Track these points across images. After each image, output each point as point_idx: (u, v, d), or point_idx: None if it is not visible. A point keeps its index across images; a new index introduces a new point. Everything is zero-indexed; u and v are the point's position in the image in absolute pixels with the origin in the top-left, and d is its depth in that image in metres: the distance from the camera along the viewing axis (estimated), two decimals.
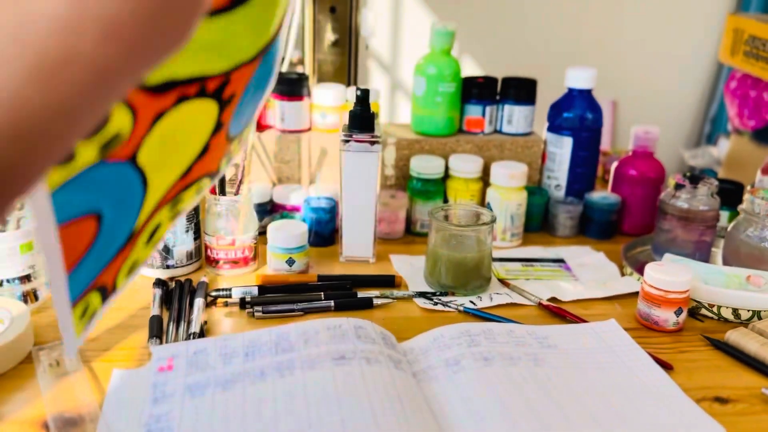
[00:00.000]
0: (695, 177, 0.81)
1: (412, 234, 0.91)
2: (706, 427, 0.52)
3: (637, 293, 0.74)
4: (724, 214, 0.92)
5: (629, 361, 0.60)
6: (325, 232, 0.85)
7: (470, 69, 1.84)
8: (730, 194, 0.92)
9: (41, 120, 0.20)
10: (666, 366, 0.60)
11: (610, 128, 1.92)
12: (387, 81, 1.85)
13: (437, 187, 0.89)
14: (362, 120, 0.75)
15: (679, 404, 0.55)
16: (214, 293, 0.69)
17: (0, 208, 0.21)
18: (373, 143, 0.75)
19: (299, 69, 1.19)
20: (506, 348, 0.60)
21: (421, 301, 0.71)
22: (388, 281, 0.75)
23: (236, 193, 0.75)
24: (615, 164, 0.95)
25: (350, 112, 0.76)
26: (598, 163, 0.96)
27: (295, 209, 0.88)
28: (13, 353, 0.56)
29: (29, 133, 0.20)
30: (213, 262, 0.75)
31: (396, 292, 0.72)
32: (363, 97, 0.75)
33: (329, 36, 1.12)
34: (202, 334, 0.62)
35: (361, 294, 0.71)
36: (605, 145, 1.87)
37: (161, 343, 0.60)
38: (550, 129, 0.93)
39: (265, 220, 0.85)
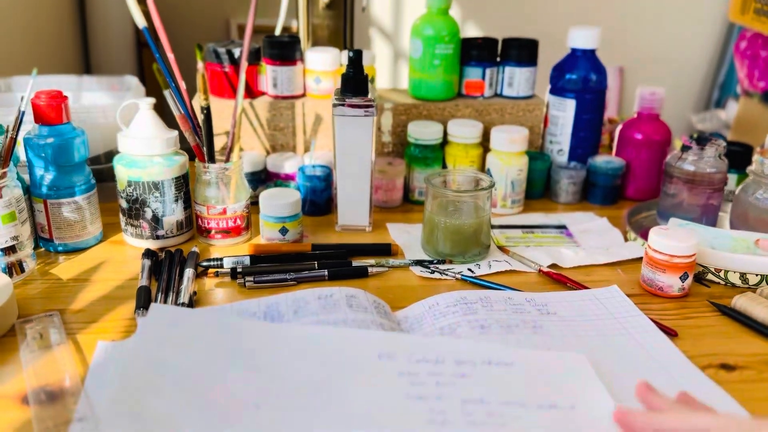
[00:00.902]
0: (702, 138, 0.78)
1: (410, 202, 0.88)
2: (711, 395, 0.50)
3: (640, 259, 0.72)
4: (732, 178, 0.89)
5: (632, 328, 0.58)
6: (320, 201, 0.83)
7: (469, 30, 1.79)
8: (739, 156, 0.89)
9: None
10: (670, 333, 0.58)
11: (617, 95, 1.88)
12: (389, 50, 1.81)
13: (435, 154, 0.86)
14: (355, 83, 0.72)
15: (684, 371, 0.53)
16: (204, 263, 0.67)
17: None
18: (366, 107, 0.73)
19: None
20: (504, 315, 0.58)
21: (417, 270, 0.69)
22: (384, 250, 0.73)
23: (226, 161, 0.72)
24: (619, 127, 0.92)
25: (342, 75, 0.73)
26: (602, 127, 0.93)
27: (290, 178, 0.86)
28: None
29: None
30: (204, 232, 0.73)
31: (392, 261, 0.70)
32: (355, 59, 0.72)
33: None
34: (191, 304, 0.60)
35: (356, 263, 0.69)
36: (612, 112, 1.83)
37: None
38: (553, 91, 0.90)
39: (259, 189, 0.83)
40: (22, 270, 0.65)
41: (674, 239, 0.64)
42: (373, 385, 0.47)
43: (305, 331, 0.52)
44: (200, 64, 0.67)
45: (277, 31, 1.01)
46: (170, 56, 0.68)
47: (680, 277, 0.64)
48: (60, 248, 0.70)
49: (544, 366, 0.50)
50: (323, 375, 0.47)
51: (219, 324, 0.52)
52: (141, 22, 0.67)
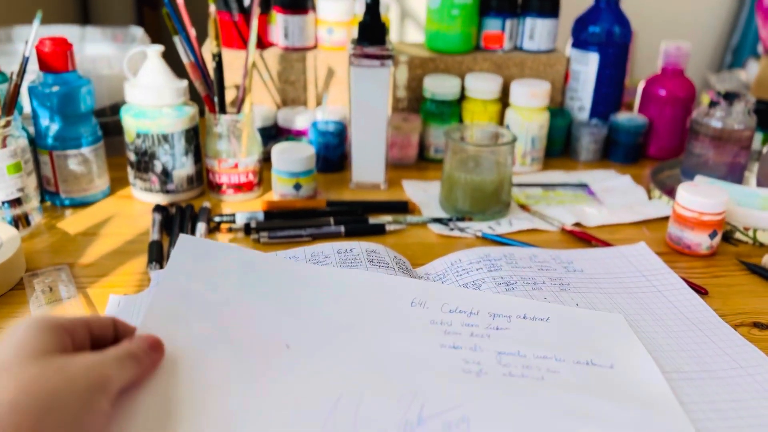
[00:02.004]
0: (730, 94, 0.75)
1: (425, 160, 0.86)
2: (745, 353, 0.48)
3: (666, 218, 0.70)
4: (757, 137, 0.86)
5: (661, 286, 0.56)
6: (333, 157, 0.80)
7: None
8: (764, 115, 0.86)
9: None
10: (701, 291, 0.57)
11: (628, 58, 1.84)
12: (396, 5, 1.76)
13: (452, 109, 0.83)
14: (373, 31, 0.69)
15: (717, 330, 0.51)
16: (217, 218, 0.65)
17: None
18: (384, 58, 0.70)
19: None
20: (529, 273, 0.56)
21: (436, 227, 0.67)
22: (401, 207, 0.71)
23: (237, 112, 0.69)
24: (642, 84, 0.89)
25: (359, 23, 0.70)
26: (625, 83, 0.90)
27: (302, 133, 0.83)
28: (3, 279, 0.52)
29: None
30: (215, 187, 0.71)
31: (410, 218, 0.68)
32: (373, 6, 0.69)
33: None
34: None
35: (373, 220, 0.67)
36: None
37: (162, 268, 0.57)
38: (575, 45, 0.86)
39: (270, 144, 0.80)
40: (29, 223, 0.63)
41: (704, 195, 0.61)
42: (406, 330, 0.45)
43: (339, 274, 0.50)
44: (212, 8, 0.64)
45: None
46: (179, 0, 0.65)
47: (709, 235, 0.62)
48: (66, 202, 0.68)
49: (581, 323, 0.49)
50: (355, 319, 0.45)
51: (250, 260, 0.48)
52: None
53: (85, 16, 1.53)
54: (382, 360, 0.42)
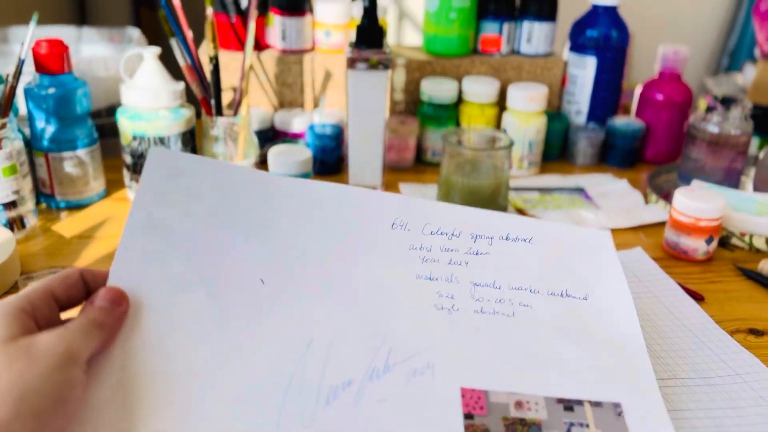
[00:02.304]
0: (727, 99, 0.75)
1: (422, 163, 0.86)
2: (741, 360, 0.48)
3: (663, 223, 0.70)
4: (754, 141, 0.86)
5: (657, 291, 0.56)
6: (330, 160, 0.80)
7: None
8: (761, 120, 0.86)
9: None
10: (697, 297, 0.57)
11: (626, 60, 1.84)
12: (394, 6, 1.76)
13: (450, 113, 0.83)
14: (370, 34, 0.69)
15: (712, 336, 0.51)
16: None
17: None
18: (381, 63, 0.69)
19: None
20: None
21: None
22: None
23: (234, 115, 0.69)
24: (639, 88, 0.89)
25: (357, 26, 0.70)
26: (622, 88, 0.90)
27: (299, 136, 0.83)
28: None
29: None
30: None
31: None
32: (371, 9, 0.69)
33: None
34: None
35: None
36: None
37: None
38: (572, 48, 0.87)
39: (267, 147, 0.80)
40: (24, 226, 0.62)
41: (701, 201, 0.61)
42: (384, 258, 0.44)
43: (320, 189, 0.46)
44: (209, 11, 0.63)
45: None
46: (176, 2, 0.65)
47: (705, 241, 0.62)
48: (62, 204, 0.68)
49: (565, 243, 0.48)
50: (333, 246, 0.43)
51: (226, 177, 0.44)
52: None
53: (81, 16, 1.53)
54: (356, 296, 0.41)
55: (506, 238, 0.47)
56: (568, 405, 0.39)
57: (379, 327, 0.40)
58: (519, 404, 0.38)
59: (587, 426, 0.38)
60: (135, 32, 0.88)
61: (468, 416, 0.37)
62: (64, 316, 0.36)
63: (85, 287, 0.37)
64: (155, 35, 0.93)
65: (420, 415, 0.37)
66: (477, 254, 0.46)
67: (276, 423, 0.35)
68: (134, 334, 0.36)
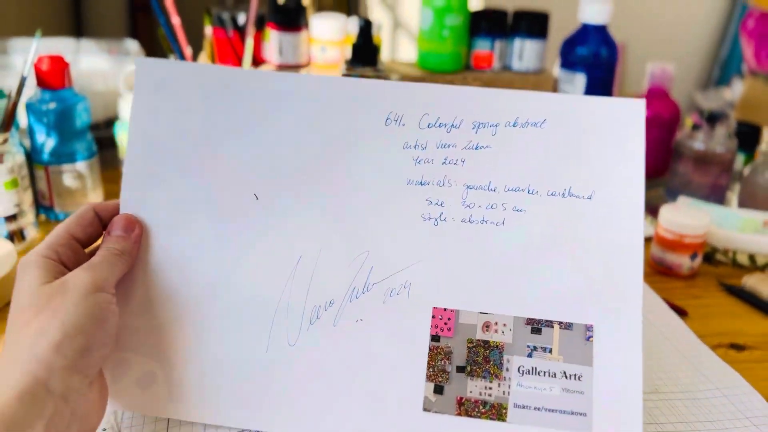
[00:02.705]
0: (713, 117, 0.77)
1: None
2: (722, 374, 0.50)
3: (649, 238, 0.72)
4: (739, 157, 0.89)
5: (643, 307, 0.58)
6: None
7: (478, 1, 1.77)
8: (746, 136, 0.88)
9: None
10: (680, 312, 0.58)
11: (618, 73, 1.86)
12: (388, 18, 1.78)
13: None
14: (365, 52, 0.71)
15: (695, 351, 0.53)
16: None
17: None
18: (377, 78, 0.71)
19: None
20: None
21: None
22: None
23: None
24: None
25: (353, 45, 0.71)
26: None
27: None
28: (1, 294, 0.53)
29: None
30: None
31: None
32: (366, 29, 0.71)
33: None
34: None
35: None
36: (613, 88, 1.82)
37: None
38: (563, 65, 0.88)
39: None
40: (24, 238, 0.63)
41: (686, 217, 0.63)
42: (375, 163, 0.42)
43: (311, 83, 0.43)
44: (208, 30, 0.65)
45: None
46: (175, 21, 0.66)
47: (690, 257, 0.64)
48: (61, 216, 0.69)
49: (582, 123, 0.42)
50: (324, 149, 0.43)
51: (214, 83, 0.43)
52: None
53: (77, 23, 1.54)
54: (344, 208, 0.42)
55: (513, 124, 0.42)
56: (537, 327, 0.39)
57: (364, 243, 0.41)
58: (487, 326, 0.39)
59: (550, 351, 0.39)
60: (133, 45, 0.90)
61: (434, 338, 0.39)
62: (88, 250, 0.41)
63: (101, 221, 0.41)
64: (151, 43, 0.94)
65: (391, 335, 0.39)
66: (476, 148, 0.42)
67: (266, 345, 0.40)
68: (150, 256, 0.40)
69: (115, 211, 0.41)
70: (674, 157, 0.79)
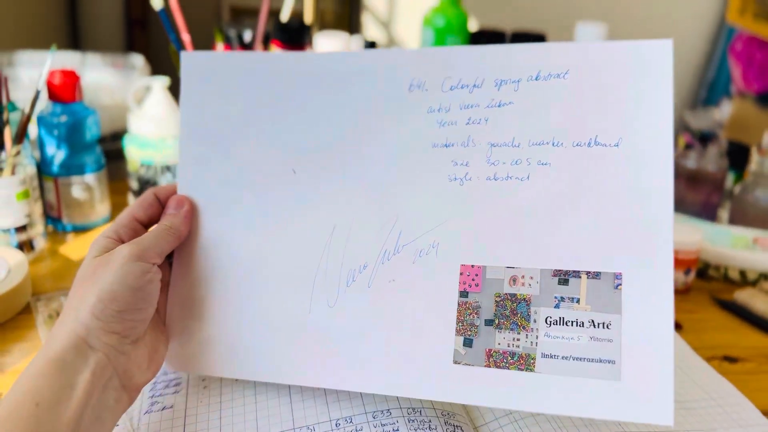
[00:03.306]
0: (705, 137, 0.80)
1: None
2: (717, 386, 0.51)
3: None
4: (730, 176, 0.91)
5: None
6: None
7: (477, 23, 1.80)
8: (736, 155, 0.91)
9: None
10: (675, 325, 0.60)
11: None
12: (384, 36, 1.81)
13: None
14: None
15: (690, 363, 0.54)
16: None
17: None
18: None
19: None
20: None
21: None
22: None
23: None
24: None
25: None
26: None
27: None
28: (12, 303, 0.54)
29: None
30: None
31: None
32: (370, 48, 0.73)
33: None
34: None
35: None
36: None
37: None
38: None
39: None
40: (33, 248, 0.64)
41: (679, 234, 0.65)
42: (401, 129, 0.44)
43: (337, 60, 0.45)
44: (220, 47, 0.67)
45: (285, 14, 1.00)
46: (185, 37, 0.68)
47: (684, 272, 0.66)
48: (69, 227, 0.70)
49: (607, 70, 0.41)
50: (355, 121, 0.44)
51: (253, 70, 0.46)
52: (158, 5, 0.67)
53: (75, 37, 1.55)
54: (373, 176, 0.44)
55: (536, 78, 0.42)
56: (564, 278, 0.39)
57: (393, 208, 0.43)
58: (514, 280, 0.40)
59: (577, 301, 0.38)
60: (138, 59, 0.91)
61: (463, 294, 0.41)
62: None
63: (160, 203, 0.45)
64: (147, 55, 0.95)
65: (422, 293, 0.41)
66: (500, 106, 0.42)
67: (308, 307, 0.43)
68: (204, 232, 0.44)
69: (173, 194, 0.45)
70: None
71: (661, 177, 0.39)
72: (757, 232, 0.73)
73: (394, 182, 0.43)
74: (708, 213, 0.80)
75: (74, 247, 0.67)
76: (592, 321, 0.38)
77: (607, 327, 0.38)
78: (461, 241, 0.41)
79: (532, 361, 0.39)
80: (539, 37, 0.90)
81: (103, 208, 0.72)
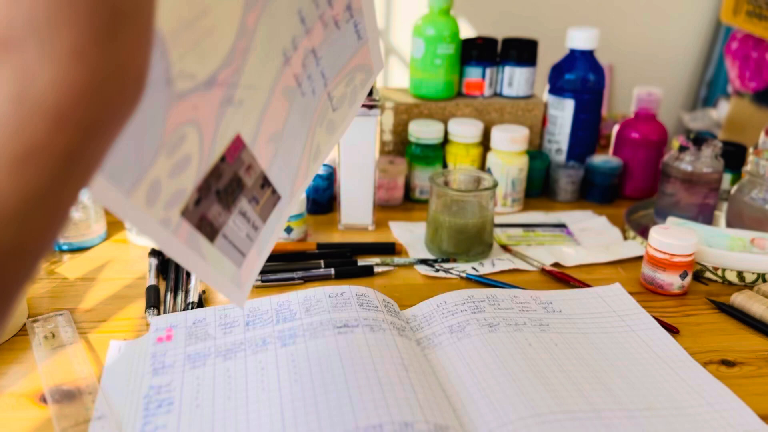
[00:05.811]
0: (699, 139, 0.80)
1: (411, 201, 0.89)
2: (713, 390, 0.51)
3: (640, 257, 0.74)
4: (726, 177, 0.91)
5: (635, 325, 0.60)
6: (322, 199, 0.84)
7: (468, 30, 1.80)
8: (732, 156, 0.90)
9: (18, 208, 0.22)
10: (672, 329, 0.60)
11: (606, 93, 1.90)
12: (381, 45, 1.82)
13: (436, 153, 0.87)
14: None
15: (686, 367, 0.54)
16: None
17: None
18: (371, 107, 0.73)
19: None
20: (511, 314, 0.59)
21: (422, 268, 0.70)
22: (389, 248, 0.74)
23: None
24: (616, 127, 0.94)
25: None
26: (600, 127, 0.94)
27: None
28: (8, 325, 0.54)
29: (7, 224, 0.22)
30: None
31: (397, 260, 0.71)
32: None
33: None
34: (201, 303, 0.61)
35: (362, 262, 0.70)
36: (602, 109, 1.85)
37: (159, 313, 0.59)
38: (552, 91, 0.91)
39: None
40: None
41: (674, 238, 0.65)
42: None
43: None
44: None
45: None
46: None
47: (680, 275, 0.65)
48: (65, 247, 0.70)
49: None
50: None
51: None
52: None
53: None
54: None
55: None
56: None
57: None
58: (250, 167, 0.42)
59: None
60: None
61: (222, 158, 0.39)
62: None
63: None
64: None
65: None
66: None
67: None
68: None
69: None
70: (662, 178, 0.81)
71: None
72: (754, 233, 0.73)
73: None
74: (704, 215, 0.80)
75: (70, 268, 0.68)
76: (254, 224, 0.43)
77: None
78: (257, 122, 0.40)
79: (215, 235, 0.39)
80: (531, 43, 0.90)
81: (99, 228, 0.72)
